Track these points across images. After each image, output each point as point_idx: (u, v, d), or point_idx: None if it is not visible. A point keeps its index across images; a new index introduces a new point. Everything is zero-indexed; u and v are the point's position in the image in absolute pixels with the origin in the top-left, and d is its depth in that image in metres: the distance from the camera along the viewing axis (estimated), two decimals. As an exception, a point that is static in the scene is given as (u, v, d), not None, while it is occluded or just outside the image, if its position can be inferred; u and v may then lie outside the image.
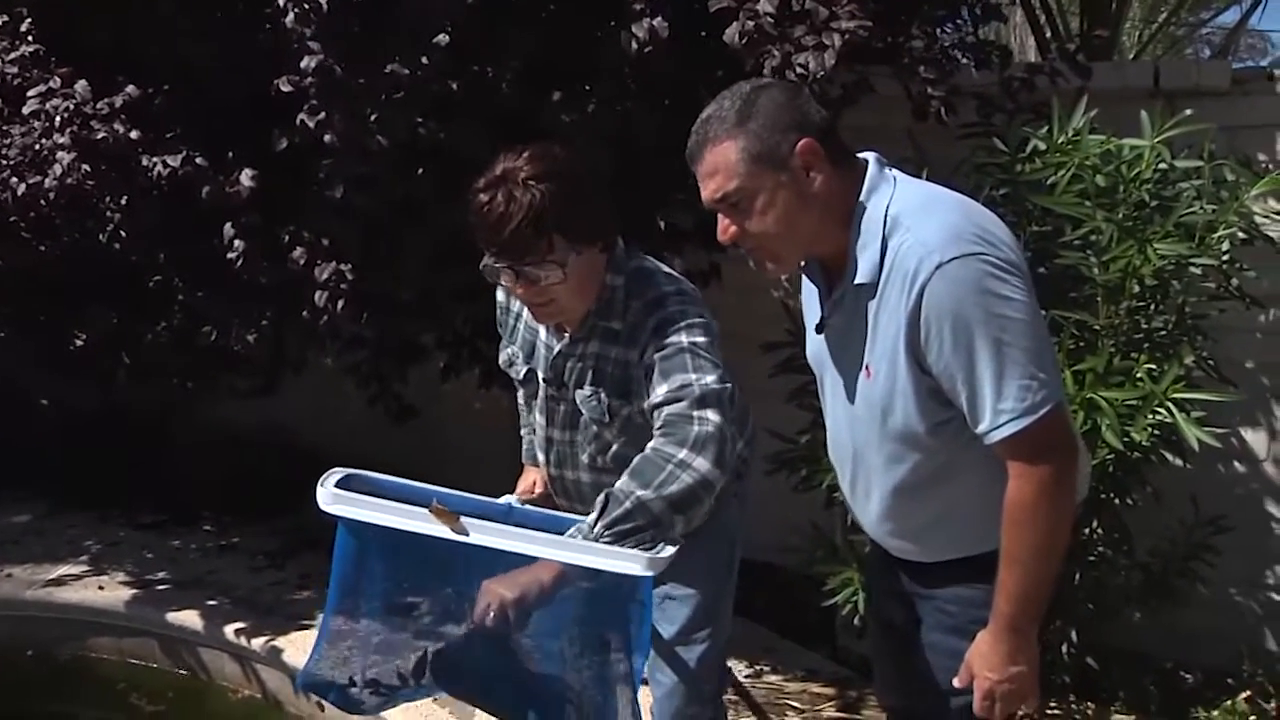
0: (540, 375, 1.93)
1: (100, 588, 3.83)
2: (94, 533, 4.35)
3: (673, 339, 1.75)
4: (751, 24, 2.43)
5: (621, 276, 1.83)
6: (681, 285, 1.88)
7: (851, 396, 1.70)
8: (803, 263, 1.76)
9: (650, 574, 1.57)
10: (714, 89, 2.99)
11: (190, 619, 3.62)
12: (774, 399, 2.82)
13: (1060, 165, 2.69)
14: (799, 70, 2.37)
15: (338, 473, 1.78)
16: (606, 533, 1.58)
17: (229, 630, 3.54)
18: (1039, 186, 2.74)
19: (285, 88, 2.73)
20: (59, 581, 3.87)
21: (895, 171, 1.66)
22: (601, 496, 1.62)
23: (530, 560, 1.62)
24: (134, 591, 3.79)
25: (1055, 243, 2.69)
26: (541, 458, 2.02)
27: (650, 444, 1.67)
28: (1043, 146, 2.77)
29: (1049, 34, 4.28)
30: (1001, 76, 3.07)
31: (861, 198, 1.60)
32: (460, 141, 2.77)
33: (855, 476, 1.77)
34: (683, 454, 1.63)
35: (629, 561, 1.57)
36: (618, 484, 1.63)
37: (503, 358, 2.02)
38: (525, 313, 1.94)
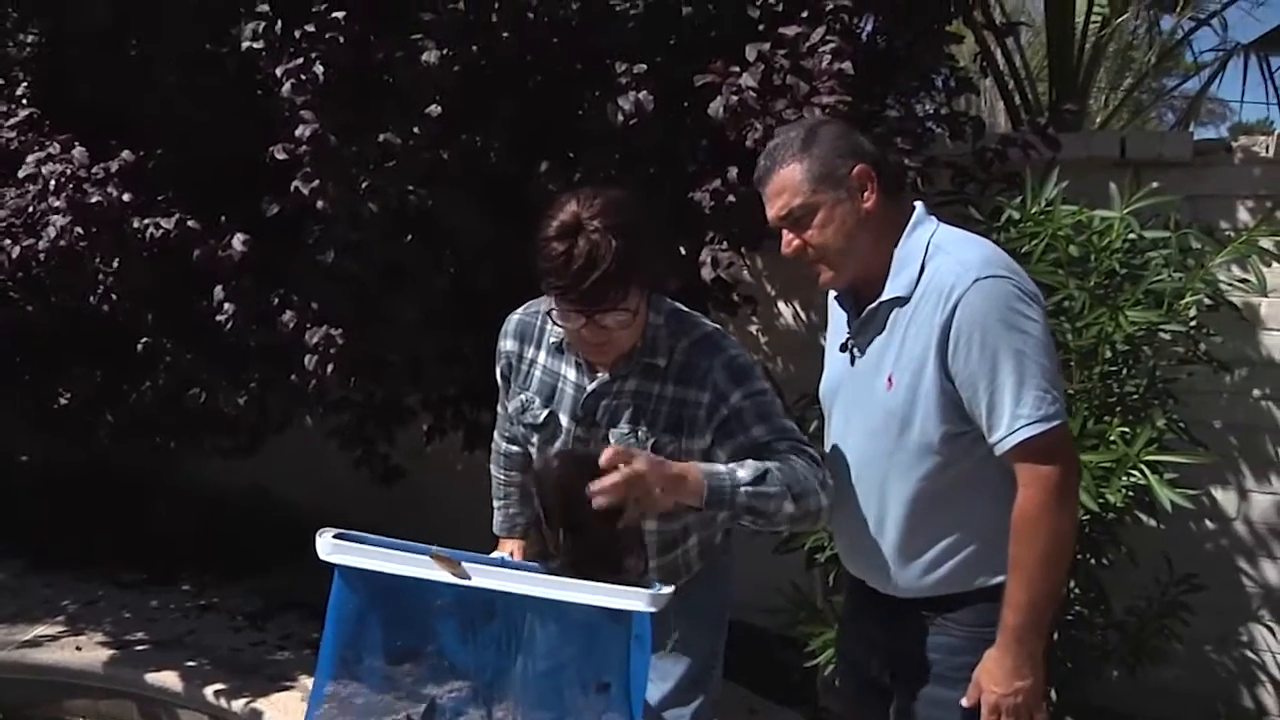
0: (564, 418, 1.94)
1: (77, 648, 3.80)
2: (71, 592, 4.32)
3: (759, 385, 1.85)
4: (735, 99, 2.53)
5: (661, 315, 1.89)
6: (714, 325, 1.96)
7: (868, 410, 1.81)
8: (833, 293, 1.92)
9: (653, 610, 1.59)
10: (698, 159, 3.12)
11: (169, 680, 3.59)
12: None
13: (1034, 235, 2.77)
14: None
15: (332, 530, 1.78)
16: (746, 491, 1.67)
17: (208, 692, 3.52)
18: (1014, 254, 2.81)
19: (280, 155, 2.79)
20: (34, 642, 3.84)
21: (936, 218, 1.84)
22: (757, 466, 1.70)
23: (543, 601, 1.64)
24: (112, 652, 3.77)
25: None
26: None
27: (799, 461, 1.74)
28: (1017, 216, 2.85)
29: (1019, 101, 4.41)
30: (975, 147, 3.18)
31: (908, 228, 1.79)
32: (447, 209, 2.85)
33: (862, 497, 1.84)
34: (820, 489, 1.74)
35: (631, 599, 1.60)
36: (773, 467, 1.71)
37: (514, 405, 2.01)
38: (543, 357, 1.96)
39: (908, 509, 1.78)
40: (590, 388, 1.90)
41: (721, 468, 1.70)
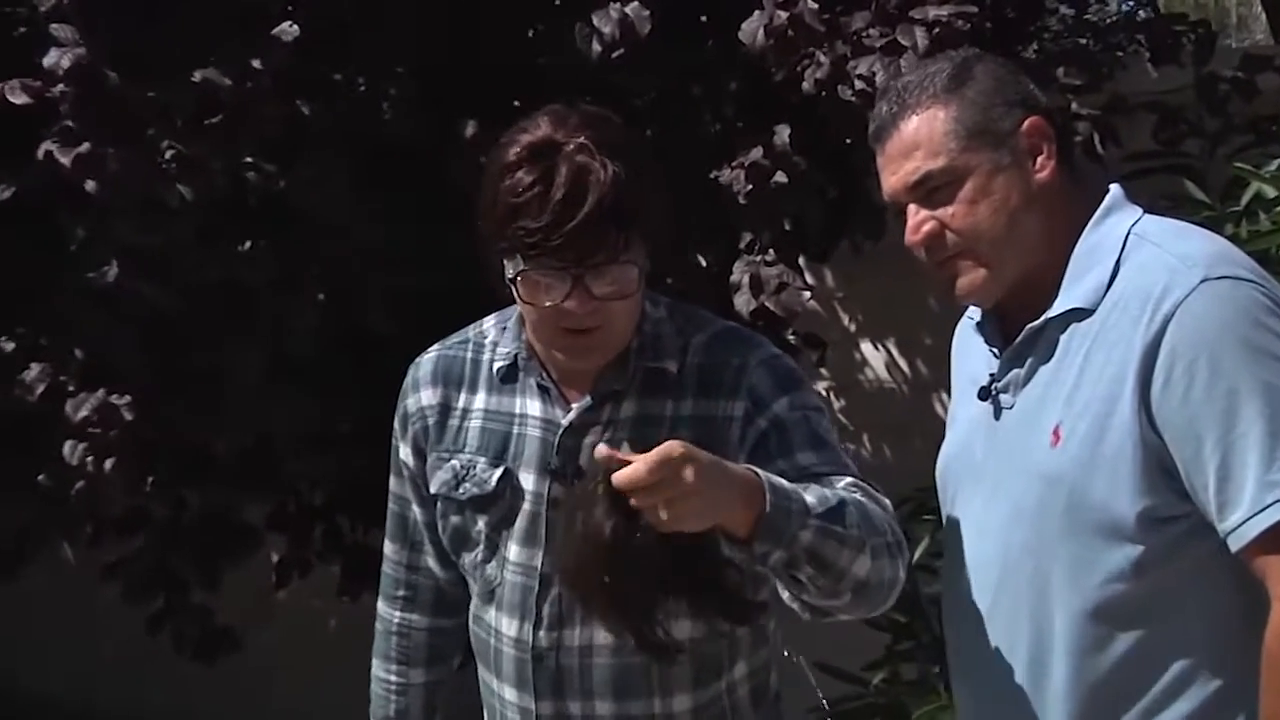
0: (528, 477, 2.11)
1: None
2: None
3: (812, 399, 2.12)
4: (783, 15, 2.70)
5: (662, 307, 2.14)
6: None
7: (1021, 482, 1.96)
8: (970, 318, 2.11)
9: None
10: (720, 113, 3.23)
11: None
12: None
13: (1304, 223, 2.91)
14: (858, 85, 2.62)
15: None
16: (815, 524, 1.79)
17: None
18: (1266, 256, 2.98)
19: (18, 99, 2.94)
20: None
21: None
22: (826, 495, 1.85)
23: None
24: None
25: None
26: (514, 647, 2.13)
27: (872, 506, 1.91)
28: (1272, 192, 3.03)
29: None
30: (1198, 76, 3.34)
31: (1098, 213, 1.98)
32: (312, 194, 3.03)
33: (1008, 618, 1.99)
34: (900, 553, 1.90)
35: None
36: (848, 500, 1.87)
37: (442, 478, 2.17)
38: (481, 399, 2.16)
39: (1082, 633, 1.89)
40: (567, 420, 2.09)
41: (785, 481, 1.82)
